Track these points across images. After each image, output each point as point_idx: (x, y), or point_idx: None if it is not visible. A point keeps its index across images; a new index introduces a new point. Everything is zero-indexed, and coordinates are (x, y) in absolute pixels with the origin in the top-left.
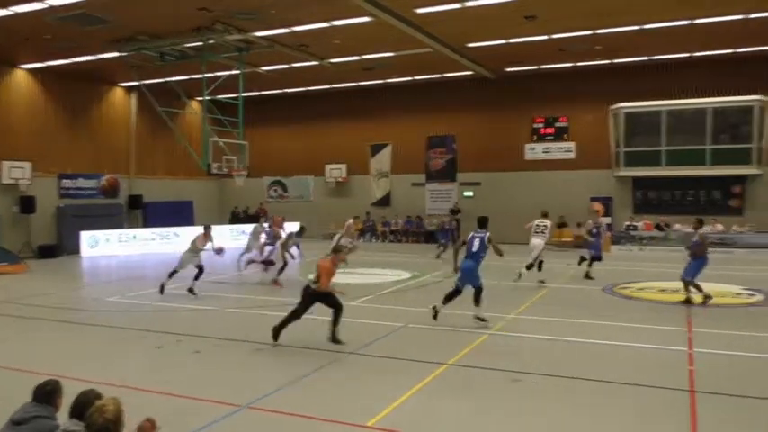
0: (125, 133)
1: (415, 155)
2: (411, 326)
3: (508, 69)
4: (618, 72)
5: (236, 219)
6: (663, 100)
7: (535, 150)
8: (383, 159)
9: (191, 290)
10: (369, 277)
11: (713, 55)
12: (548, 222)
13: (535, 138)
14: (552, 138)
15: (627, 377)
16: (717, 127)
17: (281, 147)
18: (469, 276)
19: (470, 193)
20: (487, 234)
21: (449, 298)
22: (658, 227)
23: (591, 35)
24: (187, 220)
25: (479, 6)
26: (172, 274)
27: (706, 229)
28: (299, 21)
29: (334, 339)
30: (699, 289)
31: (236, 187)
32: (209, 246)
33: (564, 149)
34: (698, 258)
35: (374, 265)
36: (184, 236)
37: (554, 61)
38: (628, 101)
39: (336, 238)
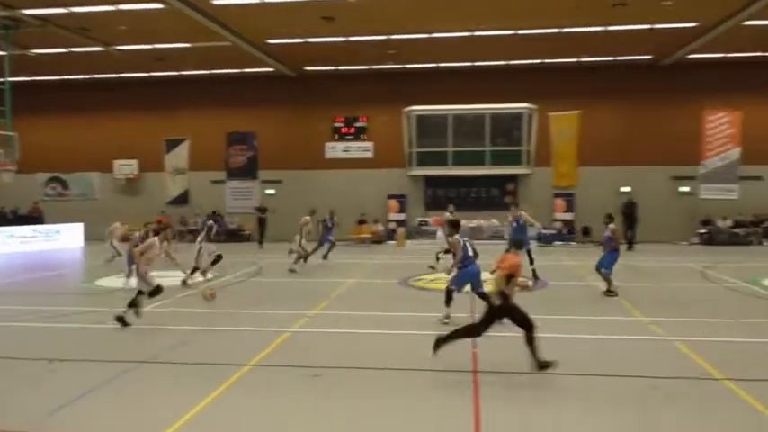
0: None
1: (214, 151)
2: (213, 329)
3: (308, 68)
4: (410, 76)
5: (2, 220)
6: (449, 104)
7: (336, 149)
8: (180, 155)
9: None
10: (165, 280)
11: (491, 65)
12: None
13: (336, 137)
14: (352, 137)
15: (419, 363)
16: (494, 131)
17: (61, 140)
18: (480, 279)
19: (272, 191)
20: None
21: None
22: None
23: (385, 40)
24: None
25: (278, 3)
26: (153, 294)
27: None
28: (79, 1)
29: (542, 364)
30: (609, 282)
31: (2, 184)
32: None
33: (363, 149)
34: (612, 251)
35: (171, 267)
36: None
37: (352, 63)
38: (419, 104)
39: (297, 239)
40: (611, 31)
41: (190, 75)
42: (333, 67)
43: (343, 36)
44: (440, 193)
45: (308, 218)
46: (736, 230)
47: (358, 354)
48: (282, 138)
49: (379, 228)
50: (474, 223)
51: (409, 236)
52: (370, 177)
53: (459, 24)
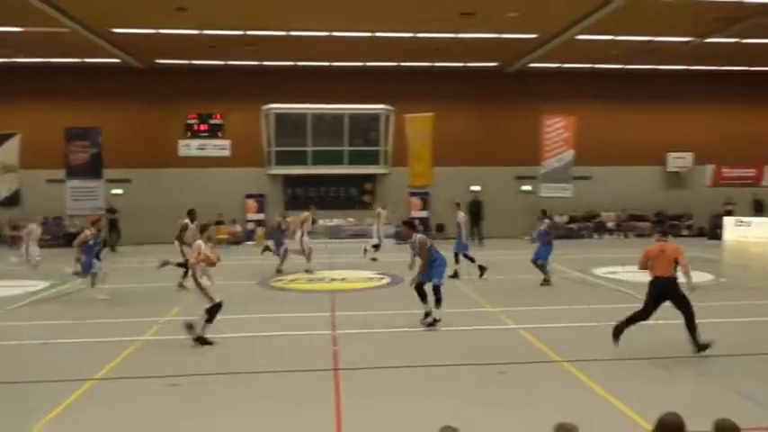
0: None
1: (51, 147)
2: (53, 341)
3: (159, 61)
4: (269, 73)
5: None
6: (308, 103)
7: (190, 147)
8: (9, 151)
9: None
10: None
11: (349, 65)
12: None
13: (189, 134)
14: (207, 135)
15: (282, 365)
16: (352, 131)
17: None
18: None
19: (120, 191)
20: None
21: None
22: None
23: (242, 35)
24: None
25: None
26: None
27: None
28: None
29: (703, 345)
30: (546, 273)
31: None
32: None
33: (219, 147)
34: (546, 244)
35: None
36: None
37: (207, 57)
38: (278, 102)
39: (298, 235)
40: (461, 38)
41: (22, 63)
42: (186, 61)
43: (198, 29)
44: (299, 193)
45: (308, 213)
46: (571, 225)
47: (217, 359)
48: (131, 134)
49: (238, 228)
50: (333, 222)
51: (269, 236)
52: (227, 176)
53: (317, 24)
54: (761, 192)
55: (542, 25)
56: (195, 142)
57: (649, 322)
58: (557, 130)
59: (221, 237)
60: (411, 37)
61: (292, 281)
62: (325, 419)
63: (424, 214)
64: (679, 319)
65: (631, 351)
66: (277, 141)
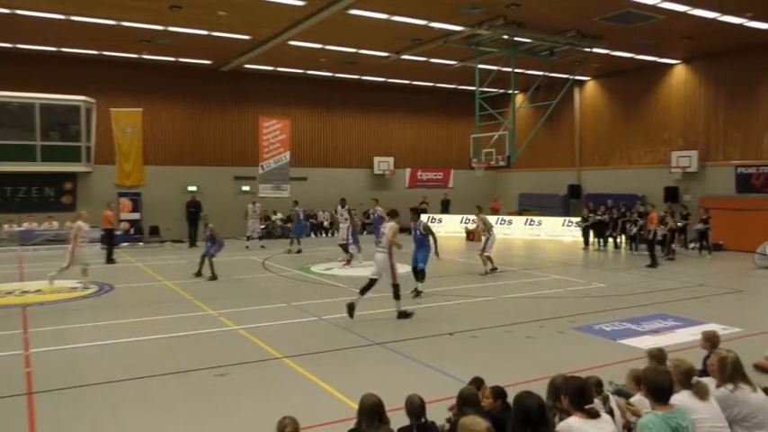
0: None
1: None
2: None
3: None
4: None
5: None
6: None
7: None
8: None
9: None
10: None
11: (41, 50)
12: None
13: None
14: None
15: None
16: (46, 124)
17: None
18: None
19: None
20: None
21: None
22: None
23: None
24: None
25: None
26: None
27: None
28: None
29: None
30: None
31: None
32: None
33: None
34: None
35: None
36: None
37: None
38: None
39: None
40: (170, 31)
41: None
42: None
43: None
44: None
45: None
46: (288, 225)
47: None
48: None
49: None
50: (23, 227)
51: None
52: None
53: None
54: (447, 192)
55: (253, 28)
56: None
57: (358, 312)
58: (273, 131)
59: None
60: (115, 25)
61: None
62: None
63: (135, 216)
64: (378, 310)
65: (339, 343)
66: None
